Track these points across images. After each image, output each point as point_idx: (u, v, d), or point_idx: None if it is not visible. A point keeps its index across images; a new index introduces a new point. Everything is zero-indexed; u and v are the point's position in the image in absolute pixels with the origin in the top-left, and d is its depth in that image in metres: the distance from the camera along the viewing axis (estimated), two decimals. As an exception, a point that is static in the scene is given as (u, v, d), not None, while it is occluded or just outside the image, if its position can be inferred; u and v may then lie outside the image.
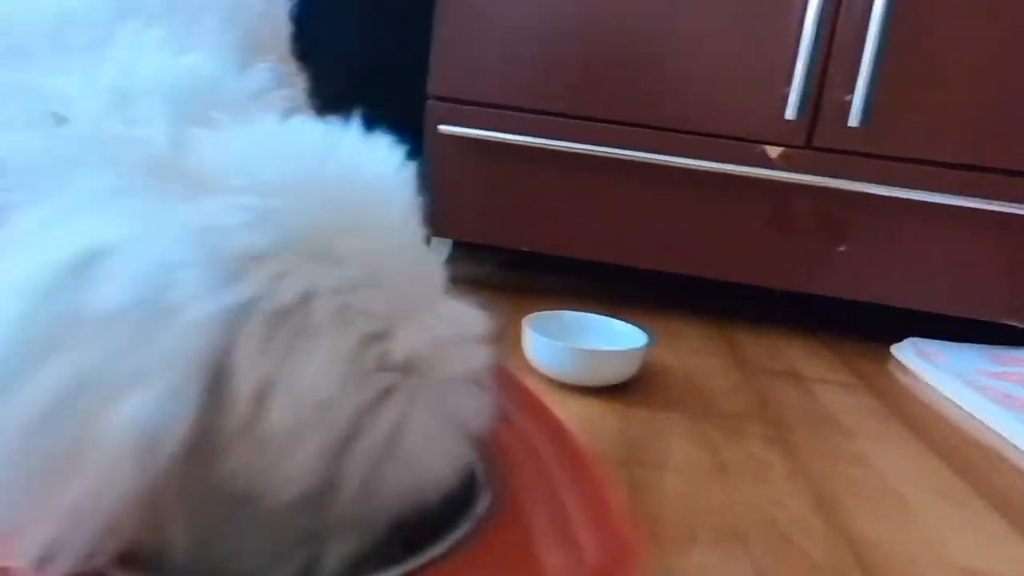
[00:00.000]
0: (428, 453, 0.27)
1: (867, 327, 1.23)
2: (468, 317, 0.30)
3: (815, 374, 1.03)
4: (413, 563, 0.30)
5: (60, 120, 0.29)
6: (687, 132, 1.11)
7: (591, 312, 0.96)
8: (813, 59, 1.05)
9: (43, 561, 0.23)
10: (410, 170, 0.31)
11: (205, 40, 0.35)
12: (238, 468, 0.25)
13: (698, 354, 1.05)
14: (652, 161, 1.11)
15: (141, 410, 0.23)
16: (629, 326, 0.90)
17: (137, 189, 0.26)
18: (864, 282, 1.14)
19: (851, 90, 1.05)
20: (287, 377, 0.25)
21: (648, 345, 0.87)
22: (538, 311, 0.91)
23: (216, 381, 0.24)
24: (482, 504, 0.34)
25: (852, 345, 1.17)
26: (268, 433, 0.25)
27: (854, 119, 1.05)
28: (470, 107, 1.13)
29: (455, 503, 0.33)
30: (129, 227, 0.25)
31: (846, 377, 1.03)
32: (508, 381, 0.47)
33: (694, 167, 1.10)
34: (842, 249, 1.13)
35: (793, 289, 1.17)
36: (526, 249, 1.20)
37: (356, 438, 0.26)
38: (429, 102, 1.14)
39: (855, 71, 1.04)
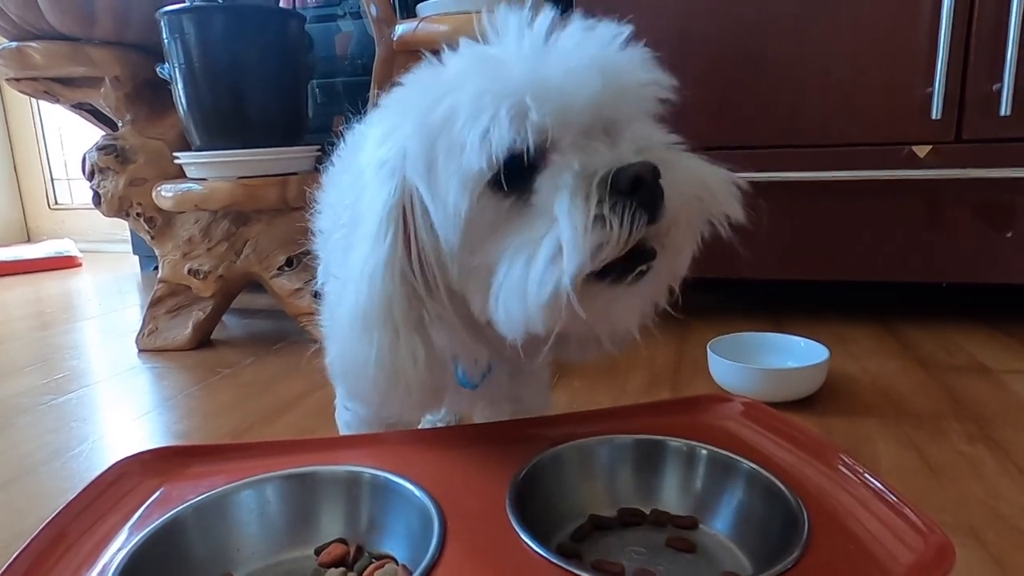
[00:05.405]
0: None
1: (1047, 309, 1.20)
2: None
3: (1001, 365, 1.02)
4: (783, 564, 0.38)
5: None
6: (832, 146, 1.14)
7: (764, 331, 1.01)
8: (953, 54, 1.06)
9: None
10: None
11: None
12: None
13: (874, 357, 1.07)
14: (801, 179, 1.15)
15: None
16: (808, 341, 0.95)
17: None
18: (1039, 265, 1.12)
19: (998, 79, 1.05)
20: None
21: (829, 358, 0.91)
22: (717, 335, 0.98)
23: None
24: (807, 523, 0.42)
25: (1034, 330, 1.15)
26: None
27: (1005, 107, 1.05)
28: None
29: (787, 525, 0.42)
30: None
31: (1036, 364, 1.02)
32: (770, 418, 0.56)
33: (843, 178, 1.14)
34: (1009, 235, 1.12)
35: (963, 281, 1.17)
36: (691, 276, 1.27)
37: None
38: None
39: (1000, 59, 1.05)
